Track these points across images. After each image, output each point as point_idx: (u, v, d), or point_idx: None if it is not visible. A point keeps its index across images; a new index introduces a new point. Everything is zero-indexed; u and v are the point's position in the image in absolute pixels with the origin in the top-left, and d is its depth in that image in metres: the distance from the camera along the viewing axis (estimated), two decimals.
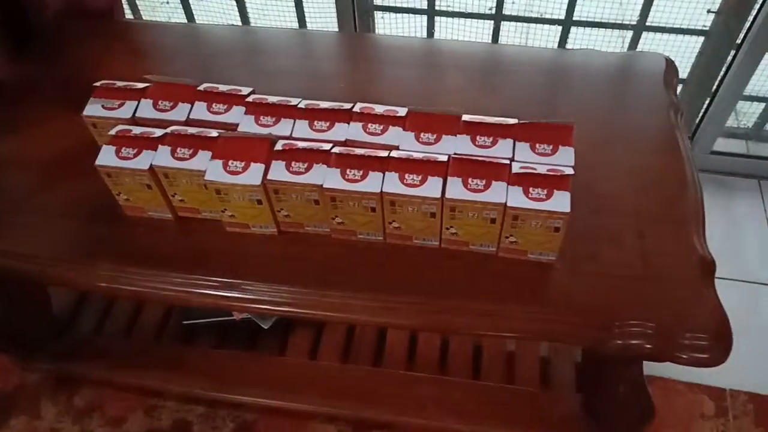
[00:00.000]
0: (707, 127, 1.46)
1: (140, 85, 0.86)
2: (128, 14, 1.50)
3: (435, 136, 0.79)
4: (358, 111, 0.81)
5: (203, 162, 0.77)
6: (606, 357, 0.89)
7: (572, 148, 0.76)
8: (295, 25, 1.64)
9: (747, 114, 1.52)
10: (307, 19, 1.63)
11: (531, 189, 0.71)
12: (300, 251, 0.82)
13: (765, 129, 1.55)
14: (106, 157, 0.78)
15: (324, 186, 0.74)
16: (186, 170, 0.77)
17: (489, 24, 1.53)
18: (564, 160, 0.75)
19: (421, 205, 0.74)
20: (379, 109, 0.81)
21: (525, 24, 1.56)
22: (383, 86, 1.06)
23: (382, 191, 0.73)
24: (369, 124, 0.80)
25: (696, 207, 0.83)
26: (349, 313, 0.77)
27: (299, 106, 0.83)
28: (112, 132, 0.80)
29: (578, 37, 1.49)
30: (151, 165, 0.77)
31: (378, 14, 1.58)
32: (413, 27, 1.65)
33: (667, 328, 0.71)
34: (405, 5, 1.59)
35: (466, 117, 0.79)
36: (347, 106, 0.82)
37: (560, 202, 0.70)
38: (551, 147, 0.76)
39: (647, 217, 0.82)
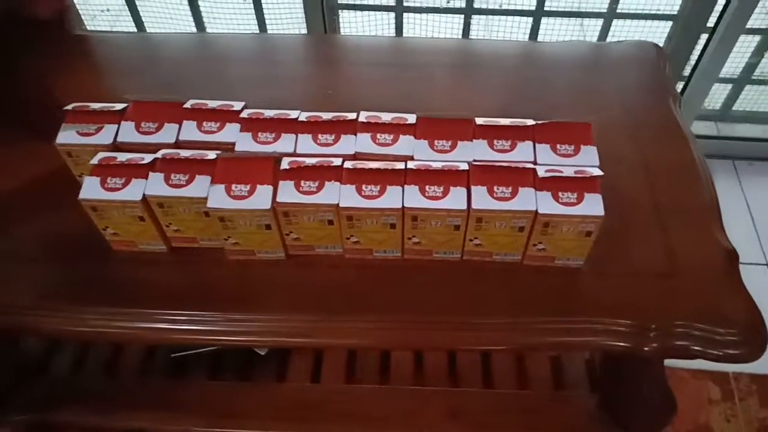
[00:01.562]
0: (682, 112, 1.48)
1: (118, 106, 0.78)
2: None
3: (450, 142, 0.74)
4: (364, 120, 0.76)
5: (203, 188, 0.70)
6: (630, 357, 0.87)
7: (595, 147, 0.73)
8: (254, 29, 1.56)
9: (713, 95, 1.55)
10: (267, 23, 1.55)
11: (561, 194, 0.68)
12: (311, 275, 0.76)
13: (732, 110, 1.58)
14: (91, 189, 0.70)
15: (340, 205, 0.69)
16: (184, 198, 0.70)
17: (458, 18, 1.50)
18: (588, 160, 0.72)
19: (446, 219, 0.69)
20: (386, 117, 0.76)
21: (489, 17, 1.54)
22: (370, 90, 1.00)
23: (403, 206, 0.68)
24: (378, 134, 0.75)
25: (711, 196, 0.82)
26: (375, 339, 0.72)
27: (299, 119, 0.76)
28: (94, 161, 0.71)
29: (540, 30, 1.48)
30: (144, 195, 0.70)
31: (342, 12, 1.53)
32: (379, 25, 1.61)
33: (705, 325, 0.69)
34: (371, 3, 1.54)
35: (479, 120, 0.75)
36: (351, 116, 0.77)
37: (593, 205, 0.67)
38: (573, 147, 0.73)
39: (666, 210, 0.80)
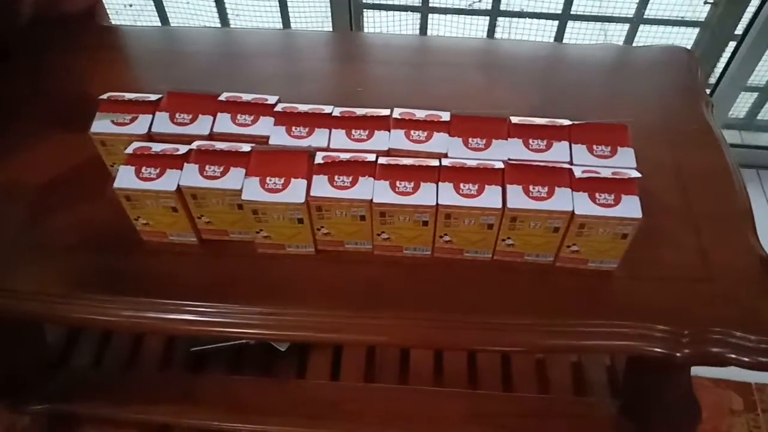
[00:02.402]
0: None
1: (152, 97, 0.78)
2: None
3: (484, 141, 0.74)
4: (398, 117, 0.75)
5: (237, 180, 0.70)
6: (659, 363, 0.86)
7: (632, 149, 0.72)
8: (278, 25, 1.56)
9: (739, 104, 1.53)
10: (291, 19, 1.56)
11: (598, 194, 0.67)
12: (341, 271, 0.76)
13: (757, 119, 1.57)
14: (126, 178, 0.70)
15: (374, 201, 0.68)
16: (218, 190, 0.70)
17: (483, 20, 1.50)
18: (625, 161, 0.71)
19: (480, 217, 0.69)
20: (420, 114, 0.76)
21: (513, 20, 1.53)
22: (399, 88, 1.00)
23: (437, 204, 0.68)
24: (412, 131, 0.75)
25: (744, 202, 0.81)
26: (403, 336, 0.72)
27: (333, 114, 0.76)
28: (129, 150, 0.71)
29: (565, 34, 1.48)
30: (178, 185, 0.70)
31: (367, 12, 1.53)
32: (403, 25, 1.61)
33: (740, 332, 0.68)
34: (397, 3, 1.54)
35: (515, 119, 0.74)
36: (384, 112, 0.76)
37: (630, 207, 0.67)
38: (609, 148, 0.72)
39: (699, 215, 0.79)
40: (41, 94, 0.99)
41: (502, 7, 1.45)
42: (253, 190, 0.69)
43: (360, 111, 0.76)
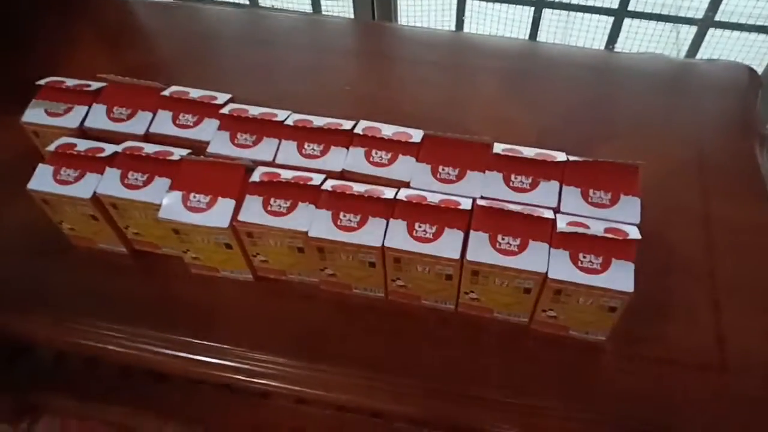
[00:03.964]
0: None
1: (94, 86, 0.69)
2: None
3: (457, 171, 0.61)
4: (361, 132, 0.63)
5: (159, 192, 0.60)
6: None
7: (638, 198, 0.57)
8: (309, 4, 1.45)
9: None
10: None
11: (581, 255, 0.53)
12: (282, 305, 0.66)
13: None
14: (42, 180, 0.62)
15: (309, 234, 0.57)
16: (139, 202, 0.61)
17: (527, 12, 1.33)
18: (627, 215, 0.57)
19: (435, 266, 0.56)
20: (388, 130, 0.64)
21: (565, 13, 1.35)
22: (396, 91, 0.87)
23: (383, 245, 0.56)
24: (374, 151, 0.63)
25: None
26: (340, 392, 0.61)
27: (287, 121, 0.65)
28: (52, 147, 0.63)
29: (624, 34, 1.29)
30: (94, 193, 0.61)
31: None
32: (440, 12, 1.46)
33: None
34: None
35: (498, 148, 0.61)
36: (347, 125, 0.64)
37: (620, 276, 0.53)
38: (609, 195, 0.58)
39: (725, 283, 0.64)
40: (17, 77, 0.92)
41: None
42: (173, 207, 0.59)
43: (318, 121, 0.65)
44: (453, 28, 1.36)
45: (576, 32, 1.36)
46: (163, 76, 0.74)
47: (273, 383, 0.63)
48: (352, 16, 1.31)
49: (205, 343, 0.64)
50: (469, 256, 0.54)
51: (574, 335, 0.60)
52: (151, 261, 0.69)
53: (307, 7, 1.43)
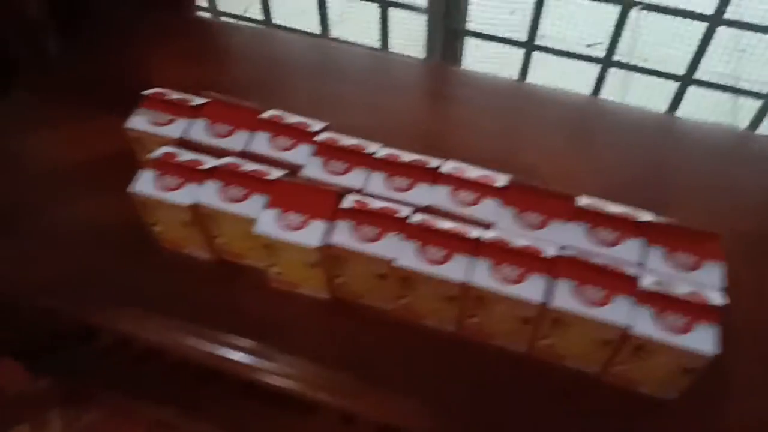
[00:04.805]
0: None
1: (197, 101, 0.73)
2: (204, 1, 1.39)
3: (541, 218, 0.63)
4: (448, 171, 0.66)
5: (256, 208, 0.63)
6: None
7: (722, 264, 0.58)
8: (377, 39, 1.50)
9: None
10: (390, 36, 1.49)
11: (666, 314, 0.54)
12: (353, 328, 0.67)
13: None
14: (145, 183, 0.66)
15: (396, 263, 0.59)
16: (234, 214, 0.64)
17: (594, 69, 1.36)
18: (710, 279, 0.58)
19: (515, 308, 0.58)
20: (473, 172, 0.66)
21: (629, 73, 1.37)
22: (470, 136, 0.89)
23: (467, 282, 0.58)
24: (460, 191, 0.65)
25: None
26: (393, 419, 0.62)
27: (377, 154, 0.68)
28: (155, 154, 0.67)
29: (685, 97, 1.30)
30: (194, 202, 0.64)
31: (468, 40, 1.43)
32: (505, 58, 1.50)
33: None
34: (499, 34, 1.43)
35: (583, 200, 0.63)
36: (434, 162, 0.67)
37: (703, 338, 0.53)
38: (693, 259, 0.59)
39: None
40: (107, 80, 0.97)
41: (623, 59, 1.30)
42: (268, 223, 0.62)
43: (406, 156, 0.67)
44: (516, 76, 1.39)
45: (639, 94, 1.38)
46: (239, 95, 0.78)
47: (327, 398, 0.65)
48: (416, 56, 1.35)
49: (270, 351, 0.66)
50: (555, 303, 0.56)
51: (643, 392, 0.60)
52: (232, 270, 0.71)
53: (376, 43, 1.48)
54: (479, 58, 1.52)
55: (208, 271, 0.72)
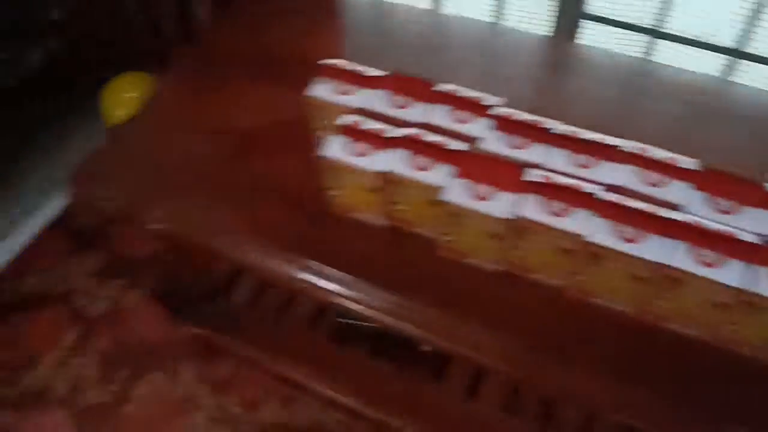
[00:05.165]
0: None
1: (372, 72, 0.76)
2: None
3: (731, 203, 0.62)
4: (631, 150, 0.66)
5: (441, 177, 0.65)
6: None
7: None
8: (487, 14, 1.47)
9: None
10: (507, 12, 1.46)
11: None
12: (523, 301, 0.69)
13: None
14: (333, 148, 0.69)
15: (589, 239, 0.60)
16: (422, 183, 0.66)
17: (721, 58, 1.29)
18: None
19: (712, 293, 0.58)
20: (659, 153, 0.66)
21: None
22: (612, 113, 0.89)
23: (667, 264, 0.58)
24: (645, 171, 0.65)
25: None
26: (576, 392, 0.64)
27: (553, 130, 0.68)
28: (341, 121, 0.70)
29: None
30: (385, 169, 0.67)
31: (587, 24, 1.39)
32: (626, 46, 1.45)
33: None
34: (623, 18, 1.38)
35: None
36: (613, 141, 0.67)
37: None
38: None
39: None
40: (259, 49, 1.01)
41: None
42: (458, 192, 0.64)
43: (586, 134, 0.68)
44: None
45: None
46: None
47: (503, 367, 0.67)
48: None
49: (437, 316, 0.68)
50: (756, 289, 0.55)
51: None
52: (403, 237, 0.73)
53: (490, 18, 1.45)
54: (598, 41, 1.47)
55: (378, 234, 0.74)
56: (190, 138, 0.86)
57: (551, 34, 1.33)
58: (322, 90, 0.76)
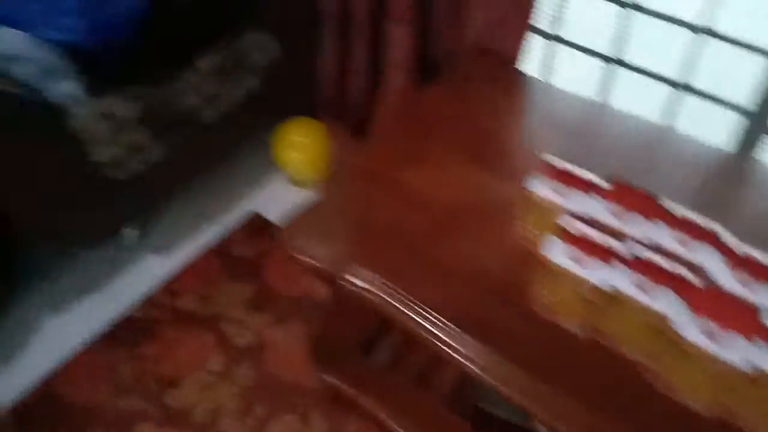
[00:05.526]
0: None
1: (592, 178, 0.75)
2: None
3: None
4: None
5: (668, 305, 0.63)
6: None
7: None
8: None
9: None
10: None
11: None
12: None
13: None
14: (555, 250, 0.69)
15: None
16: (646, 307, 0.64)
17: None
18: None
19: None
20: None
21: None
22: None
23: None
24: None
25: None
26: None
27: None
28: (562, 222, 0.70)
29: None
30: (608, 284, 0.66)
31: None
32: None
33: None
34: None
35: None
36: None
37: None
38: None
39: None
40: (458, 122, 1.03)
41: None
42: (692, 329, 0.61)
43: None
44: None
45: None
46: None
47: None
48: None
49: None
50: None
51: None
52: (606, 353, 0.70)
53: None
54: None
55: (584, 347, 0.71)
56: (393, 204, 0.88)
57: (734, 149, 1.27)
58: (540, 187, 0.76)
